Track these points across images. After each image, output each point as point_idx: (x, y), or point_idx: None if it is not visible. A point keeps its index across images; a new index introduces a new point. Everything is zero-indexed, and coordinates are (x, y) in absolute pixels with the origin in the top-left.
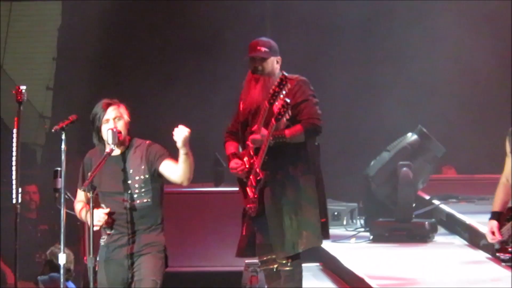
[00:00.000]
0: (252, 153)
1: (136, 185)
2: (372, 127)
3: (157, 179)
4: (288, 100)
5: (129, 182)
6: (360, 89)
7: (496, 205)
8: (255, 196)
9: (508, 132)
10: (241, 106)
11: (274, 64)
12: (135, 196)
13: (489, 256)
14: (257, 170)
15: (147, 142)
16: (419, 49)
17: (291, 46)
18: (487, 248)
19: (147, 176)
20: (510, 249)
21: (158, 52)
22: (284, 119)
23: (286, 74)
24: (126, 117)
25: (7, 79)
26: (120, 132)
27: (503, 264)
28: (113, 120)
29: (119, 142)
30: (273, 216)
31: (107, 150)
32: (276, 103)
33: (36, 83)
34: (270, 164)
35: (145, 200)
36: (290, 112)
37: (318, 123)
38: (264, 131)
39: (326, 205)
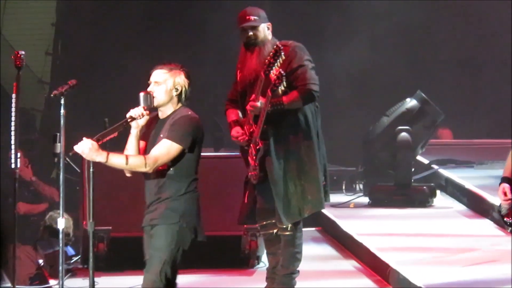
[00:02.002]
0: (251, 122)
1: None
2: (372, 92)
3: None
4: (283, 72)
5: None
6: (361, 54)
7: (507, 172)
8: (256, 164)
9: None
10: (238, 76)
11: (265, 30)
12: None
13: (489, 221)
14: (257, 139)
15: (184, 115)
16: (418, 15)
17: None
18: (487, 213)
19: (161, 135)
20: None
21: (150, 18)
22: (280, 90)
23: (279, 44)
24: (168, 83)
25: (6, 44)
26: (154, 97)
27: (510, 229)
28: (154, 83)
29: (154, 107)
30: (276, 184)
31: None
32: (272, 74)
33: (35, 49)
34: (270, 132)
35: (165, 168)
36: (285, 83)
37: (314, 88)
38: (262, 100)
39: (327, 168)
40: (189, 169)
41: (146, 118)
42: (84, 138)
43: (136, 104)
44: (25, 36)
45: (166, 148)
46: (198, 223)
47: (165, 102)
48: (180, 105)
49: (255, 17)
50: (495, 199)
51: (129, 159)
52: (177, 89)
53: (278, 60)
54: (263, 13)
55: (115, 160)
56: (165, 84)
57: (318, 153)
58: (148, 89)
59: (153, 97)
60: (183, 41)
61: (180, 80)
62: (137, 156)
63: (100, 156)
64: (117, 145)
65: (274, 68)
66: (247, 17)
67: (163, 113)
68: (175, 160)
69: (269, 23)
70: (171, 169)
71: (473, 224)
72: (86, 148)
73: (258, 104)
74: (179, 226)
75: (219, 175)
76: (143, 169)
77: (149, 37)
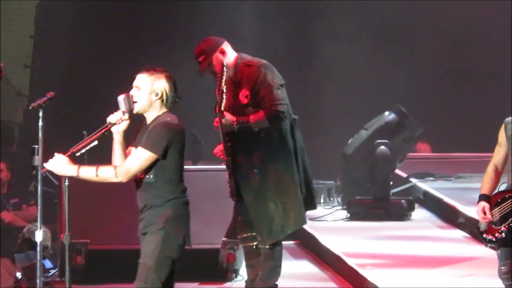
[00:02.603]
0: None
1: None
2: (350, 105)
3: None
4: (224, 90)
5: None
6: (338, 67)
7: (485, 190)
8: (227, 182)
9: (507, 121)
10: None
11: (218, 59)
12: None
13: (466, 234)
14: (222, 156)
15: (161, 121)
16: (399, 27)
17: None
18: (464, 226)
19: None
20: (500, 230)
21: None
22: (222, 108)
23: (241, 64)
24: (147, 88)
25: None
26: (135, 102)
27: (488, 245)
28: (135, 88)
29: (133, 111)
30: (254, 206)
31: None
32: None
33: (13, 61)
34: (245, 150)
35: (147, 176)
36: (224, 103)
37: (280, 108)
38: (228, 116)
39: (309, 178)
40: (170, 176)
41: (126, 122)
42: (55, 154)
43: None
44: (4, 49)
45: (137, 157)
46: (185, 230)
47: (145, 106)
48: (164, 110)
49: (202, 58)
50: (473, 213)
51: (99, 171)
52: (157, 94)
53: (223, 78)
54: (208, 44)
55: (85, 173)
56: (145, 89)
57: (295, 168)
58: (130, 93)
59: (134, 101)
60: (162, 53)
61: (160, 84)
62: (108, 167)
63: (70, 171)
64: (102, 154)
65: (222, 84)
66: (198, 61)
67: (147, 119)
68: (149, 168)
69: (220, 48)
70: (151, 176)
71: (451, 238)
72: (56, 164)
73: (217, 123)
74: (164, 232)
75: (197, 188)
76: (115, 180)
77: (129, 49)
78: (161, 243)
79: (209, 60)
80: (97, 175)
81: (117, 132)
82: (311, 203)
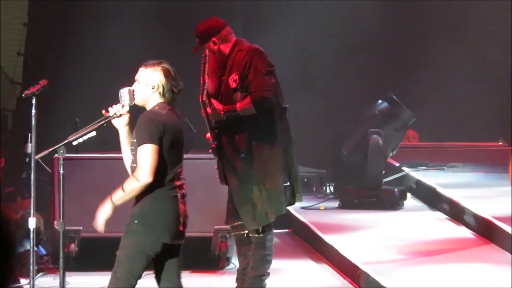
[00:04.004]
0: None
1: (132, 147)
2: (342, 93)
3: None
4: (206, 81)
5: (131, 145)
6: (330, 56)
7: None
8: (216, 167)
9: None
10: None
11: (210, 47)
12: (132, 159)
13: (458, 223)
14: (211, 142)
15: (146, 113)
16: (391, 19)
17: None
18: (456, 214)
19: (135, 140)
20: None
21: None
22: (203, 98)
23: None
24: (143, 81)
25: None
26: (134, 95)
27: None
28: (136, 81)
29: (133, 104)
30: (237, 191)
31: None
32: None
33: (6, 49)
34: (232, 138)
35: (134, 165)
36: (205, 93)
37: (266, 95)
38: (216, 105)
39: (295, 168)
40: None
41: (127, 116)
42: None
43: (105, 104)
44: None
45: (143, 154)
46: (163, 225)
47: (143, 100)
48: (160, 101)
49: (197, 40)
50: (466, 202)
51: (125, 188)
52: (153, 87)
53: (205, 69)
54: (206, 29)
55: (117, 198)
56: (141, 82)
57: (281, 156)
58: (132, 87)
59: (133, 94)
60: (158, 39)
61: (155, 77)
62: (128, 180)
63: (108, 207)
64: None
65: (205, 75)
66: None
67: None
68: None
69: (214, 39)
70: (134, 165)
71: (443, 227)
72: (101, 215)
73: (210, 110)
74: (135, 226)
75: (189, 176)
76: (140, 183)
77: (123, 37)
78: (133, 236)
79: (202, 45)
80: (124, 191)
81: (122, 127)
82: (292, 196)
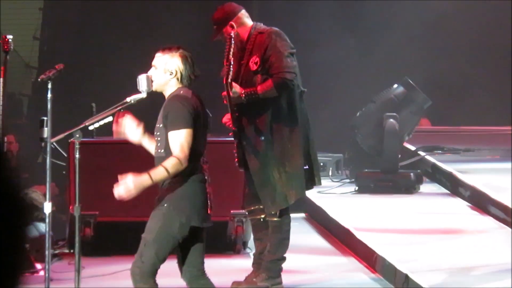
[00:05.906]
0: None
1: (157, 133)
2: (359, 78)
3: None
4: (232, 62)
5: (156, 130)
6: (346, 40)
7: None
8: (234, 151)
9: None
10: None
11: (228, 31)
12: (156, 145)
13: (473, 207)
14: (231, 126)
15: (168, 100)
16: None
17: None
18: (471, 199)
19: (161, 125)
20: None
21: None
22: (229, 80)
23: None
24: (161, 66)
25: None
26: (152, 81)
27: None
28: (153, 67)
29: (151, 90)
30: (256, 173)
31: None
32: (250, 62)
33: (22, 33)
34: (253, 120)
35: (159, 151)
36: (231, 74)
37: (288, 76)
38: (237, 88)
39: (314, 152)
40: None
41: (141, 128)
42: (119, 177)
43: (121, 88)
44: (13, 21)
45: (176, 140)
46: (191, 208)
47: (161, 85)
48: (179, 86)
49: (215, 26)
50: (485, 189)
51: (169, 169)
52: (171, 72)
53: (230, 49)
54: (223, 14)
55: (159, 178)
56: (160, 68)
57: (301, 139)
58: (148, 73)
59: (151, 80)
60: (175, 25)
61: (173, 62)
62: (168, 160)
63: (145, 181)
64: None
65: (229, 56)
66: (213, 26)
67: (166, 97)
68: (163, 142)
69: (231, 22)
70: (161, 151)
71: (460, 211)
72: (130, 183)
73: (231, 93)
74: (166, 209)
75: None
76: (183, 167)
77: (140, 22)
78: (162, 219)
79: (220, 30)
80: (168, 173)
81: (140, 137)
82: (310, 180)
